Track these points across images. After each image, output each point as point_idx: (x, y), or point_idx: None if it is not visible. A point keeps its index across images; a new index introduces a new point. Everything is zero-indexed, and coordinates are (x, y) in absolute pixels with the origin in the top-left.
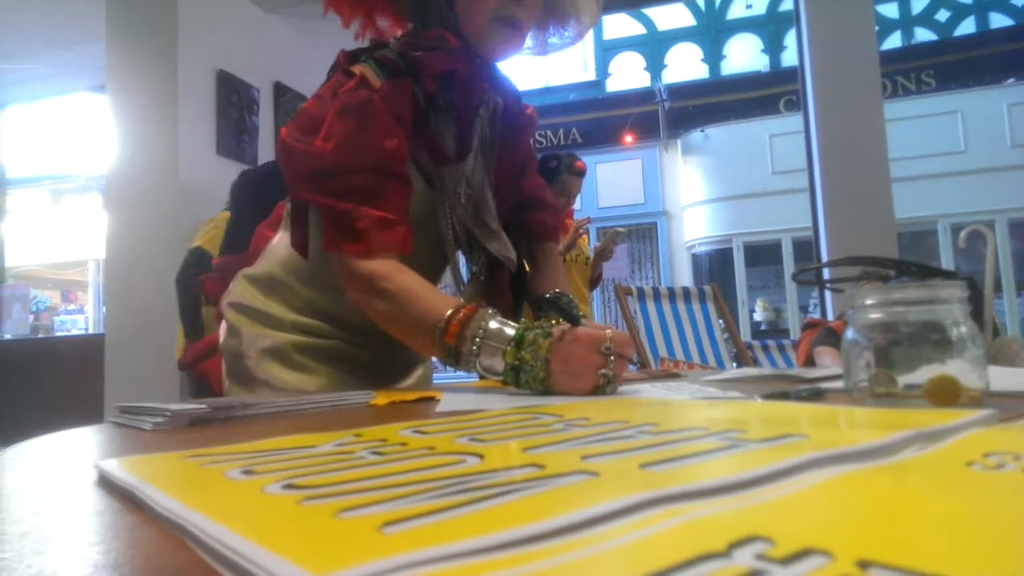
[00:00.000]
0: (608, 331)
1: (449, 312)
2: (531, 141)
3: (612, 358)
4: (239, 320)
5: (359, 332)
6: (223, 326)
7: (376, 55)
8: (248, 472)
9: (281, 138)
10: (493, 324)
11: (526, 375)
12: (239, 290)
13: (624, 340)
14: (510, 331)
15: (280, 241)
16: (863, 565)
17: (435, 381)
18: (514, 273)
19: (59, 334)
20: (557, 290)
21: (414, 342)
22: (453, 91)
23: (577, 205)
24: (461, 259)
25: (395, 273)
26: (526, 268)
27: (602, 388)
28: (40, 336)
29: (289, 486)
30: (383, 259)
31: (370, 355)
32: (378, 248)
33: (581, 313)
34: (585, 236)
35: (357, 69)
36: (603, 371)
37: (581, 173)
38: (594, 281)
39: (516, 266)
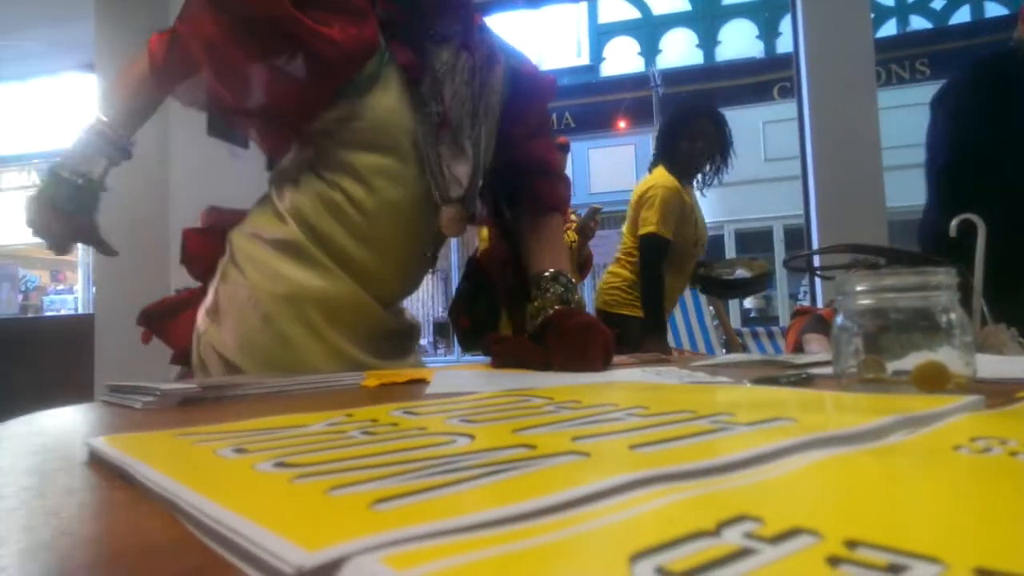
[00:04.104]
0: None
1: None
2: (546, 107)
3: None
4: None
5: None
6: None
7: None
8: (239, 450)
9: None
10: (94, 153)
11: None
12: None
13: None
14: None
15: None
16: (851, 545)
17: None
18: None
19: (48, 314)
20: (553, 269)
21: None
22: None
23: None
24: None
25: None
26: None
27: None
28: (29, 316)
29: (280, 464)
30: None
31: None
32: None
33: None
34: (574, 222)
35: None
36: None
37: (564, 148)
38: (583, 266)
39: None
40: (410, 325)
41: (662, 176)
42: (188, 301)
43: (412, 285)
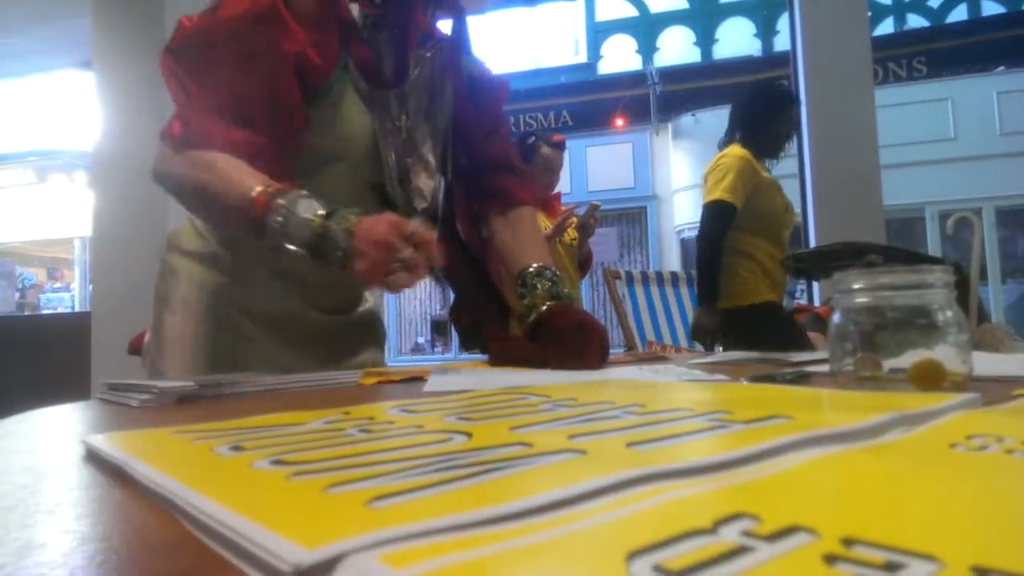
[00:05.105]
0: (416, 221)
1: (260, 188)
2: (501, 107)
3: (410, 250)
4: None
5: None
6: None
7: None
8: (237, 448)
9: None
10: (303, 200)
11: (327, 243)
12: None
13: (426, 232)
14: (318, 204)
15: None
16: (848, 542)
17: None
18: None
19: (45, 311)
20: (537, 264)
21: (214, 211)
22: (392, 8)
23: (567, 189)
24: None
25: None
26: (458, 229)
27: (396, 276)
28: (26, 314)
29: (278, 462)
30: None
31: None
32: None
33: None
34: (574, 220)
35: None
36: (401, 256)
37: (560, 145)
38: (583, 264)
39: (432, 210)
40: (355, 324)
41: (735, 149)
42: None
43: (356, 287)
